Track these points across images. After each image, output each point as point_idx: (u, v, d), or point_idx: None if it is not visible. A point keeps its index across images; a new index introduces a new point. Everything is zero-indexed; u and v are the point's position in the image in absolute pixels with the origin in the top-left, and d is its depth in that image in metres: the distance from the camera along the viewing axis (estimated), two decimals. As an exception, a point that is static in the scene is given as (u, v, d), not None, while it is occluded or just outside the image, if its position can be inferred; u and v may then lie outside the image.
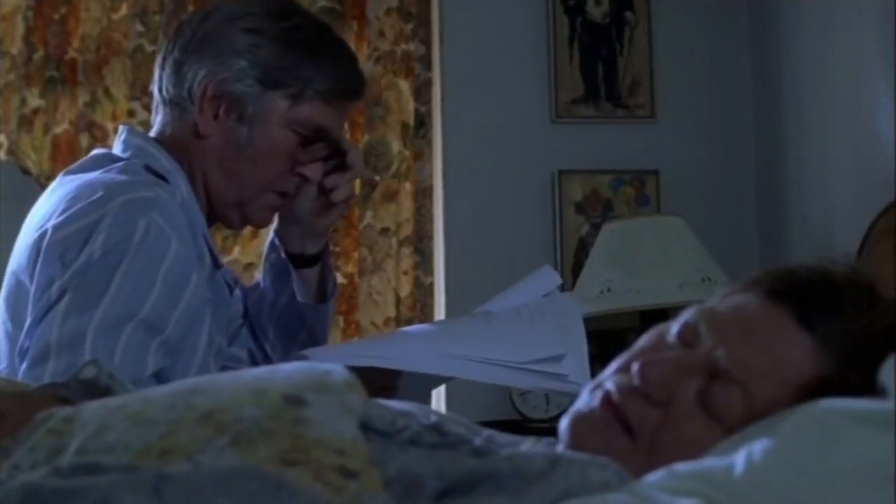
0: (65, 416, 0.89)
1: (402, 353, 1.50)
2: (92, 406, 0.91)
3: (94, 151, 1.69)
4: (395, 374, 1.54)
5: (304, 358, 1.47)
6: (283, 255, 1.75)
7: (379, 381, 1.54)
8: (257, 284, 1.82)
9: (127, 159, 1.61)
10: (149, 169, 1.60)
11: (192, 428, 0.82)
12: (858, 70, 2.75)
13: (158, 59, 1.69)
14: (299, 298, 1.74)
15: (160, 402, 0.87)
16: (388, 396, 1.57)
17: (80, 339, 1.40)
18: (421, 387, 1.74)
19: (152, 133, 1.69)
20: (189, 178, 1.64)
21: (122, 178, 1.55)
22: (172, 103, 1.66)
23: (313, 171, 1.67)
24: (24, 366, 1.42)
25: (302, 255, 1.74)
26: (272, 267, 1.77)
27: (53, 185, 1.63)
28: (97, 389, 1.03)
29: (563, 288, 1.74)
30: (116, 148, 1.66)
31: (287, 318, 1.77)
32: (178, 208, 1.55)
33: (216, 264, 1.64)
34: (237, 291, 1.77)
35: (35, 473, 0.80)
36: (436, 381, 1.79)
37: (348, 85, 1.68)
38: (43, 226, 1.51)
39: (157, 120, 1.69)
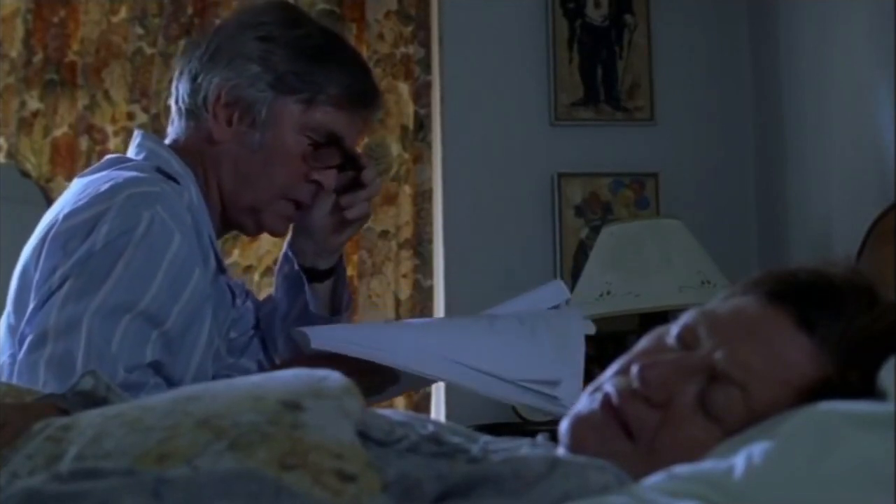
0: (63, 424, 0.89)
1: (402, 350, 1.51)
2: (90, 414, 0.91)
3: (109, 155, 1.71)
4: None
5: (303, 335, 1.48)
6: (296, 267, 1.75)
7: (378, 368, 1.55)
8: (269, 297, 1.83)
9: (139, 161, 1.63)
10: (160, 171, 1.61)
11: (190, 433, 0.83)
12: (858, 70, 2.75)
13: (176, 73, 1.71)
14: (312, 310, 1.74)
15: (157, 409, 0.87)
16: (384, 384, 1.59)
17: (77, 324, 1.41)
18: (419, 381, 1.75)
19: (166, 141, 1.70)
20: (203, 184, 1.65)
21: (131, 174, 1.57)
22: (188, 113, 1.68)
23: (326, 177, 1.67)
24: (22, 351, 1.44)
25: (314, 269, 1.75)
26: (285, 279, 1.78)
27: (69, 187, 1.65)
28: (95, 400, 1.03)
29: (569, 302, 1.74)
30: (130, 151, 1.69)
31: None
32: (184, 206, 1.56)
33: (220, 268, 1.64)
34: (248, 303, 1.78)
35: (35, 479, 0.80)
36: (434, 379, 1.80)
37: (360, 91, 1.69)
38: (52, 220, 1.54)
39: (172, 129, 1.71)
